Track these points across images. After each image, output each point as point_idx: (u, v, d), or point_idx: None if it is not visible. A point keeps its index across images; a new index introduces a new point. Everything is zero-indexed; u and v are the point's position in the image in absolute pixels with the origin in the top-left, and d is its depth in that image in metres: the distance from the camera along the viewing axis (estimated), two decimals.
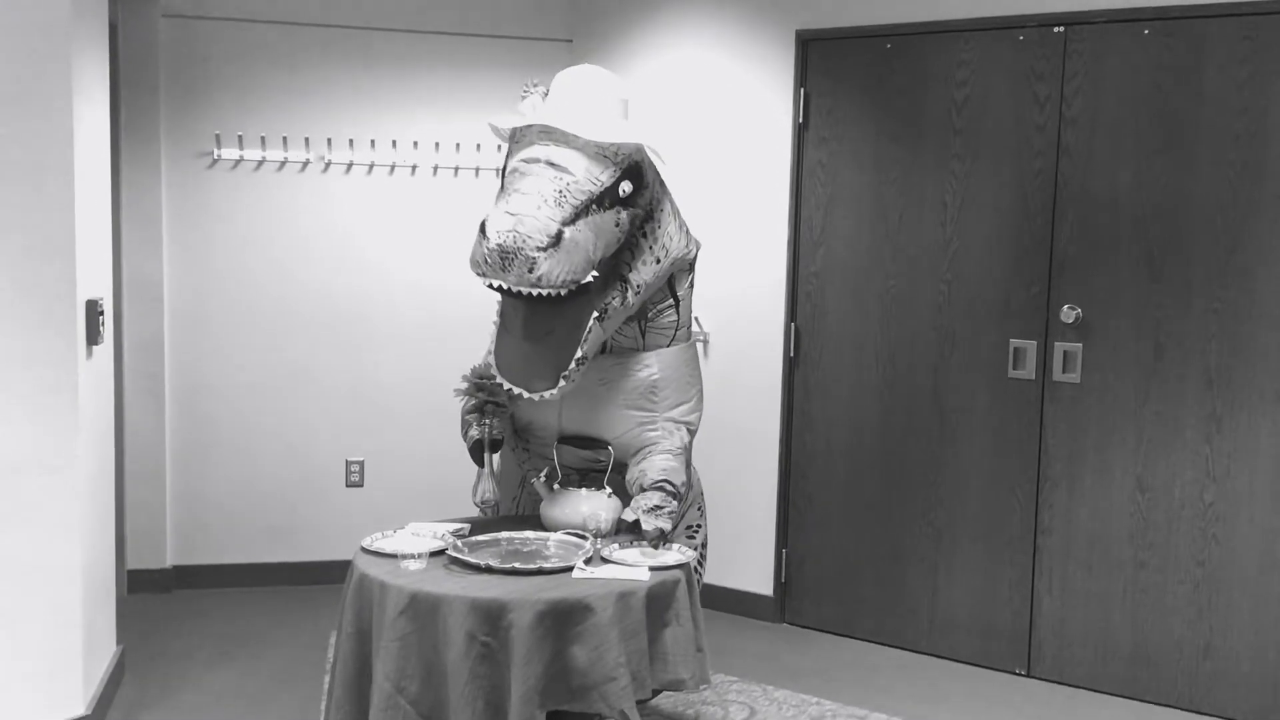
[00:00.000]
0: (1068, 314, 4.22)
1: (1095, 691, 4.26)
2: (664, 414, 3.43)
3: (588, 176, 3.07)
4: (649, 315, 3.41)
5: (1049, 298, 4.27)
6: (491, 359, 3.28)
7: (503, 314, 3.18)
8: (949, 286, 4.47)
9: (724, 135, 4.92)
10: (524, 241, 2.92)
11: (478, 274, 2.99)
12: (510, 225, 2.94)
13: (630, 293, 3.23)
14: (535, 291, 2.96)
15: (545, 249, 2.93)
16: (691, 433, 3.51)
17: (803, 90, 4.74)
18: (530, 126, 3.17)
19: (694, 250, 3.47)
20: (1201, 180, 3.99)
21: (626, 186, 3.16)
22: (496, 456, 3.43)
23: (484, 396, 3.35)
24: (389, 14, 5.19)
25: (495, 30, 5.29)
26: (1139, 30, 4.06)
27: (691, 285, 3.52)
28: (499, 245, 2.92)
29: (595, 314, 3.14)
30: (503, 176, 3.20)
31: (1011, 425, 4.37)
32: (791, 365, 4.85)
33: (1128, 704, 4.17)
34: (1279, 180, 3.87)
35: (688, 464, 3.50)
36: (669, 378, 3.41)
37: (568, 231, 2.99)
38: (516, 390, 3.11)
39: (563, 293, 3.00)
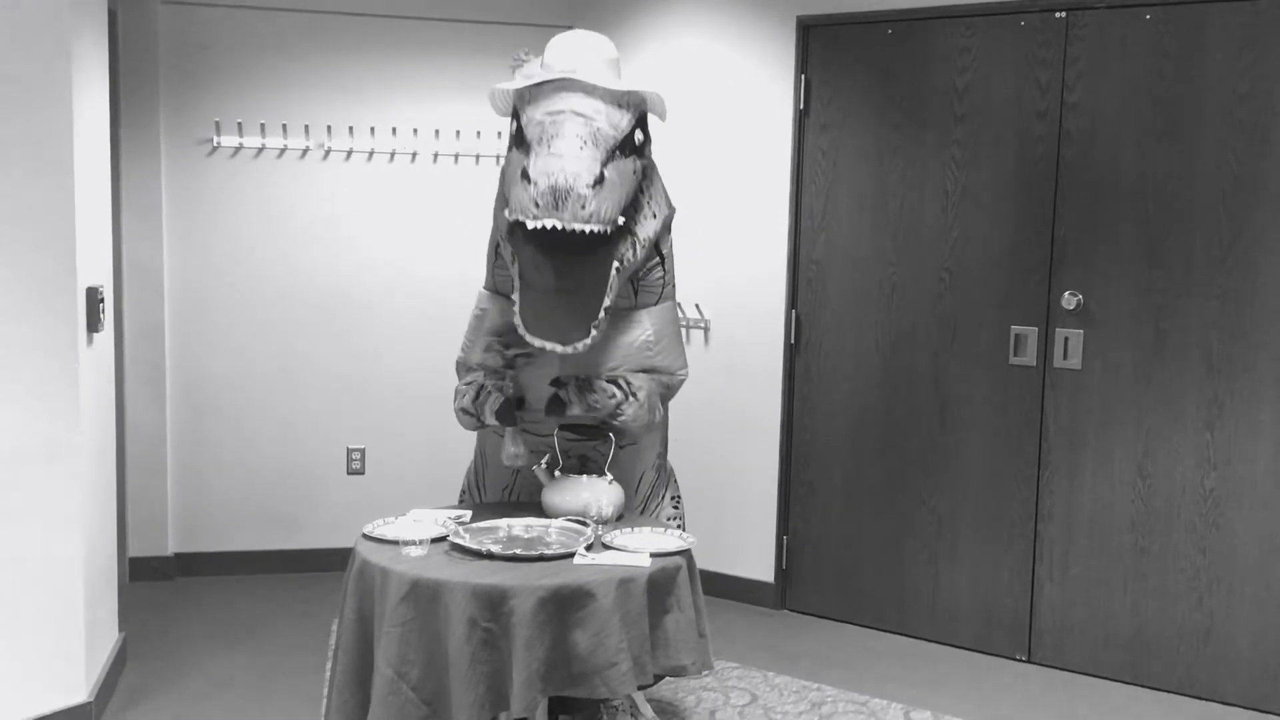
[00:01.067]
0: (1069, 300, 4.22)
1: (1096, 677, 4.27)
2: (659, 370, 3.51)
3: (610, 123, 3.19)
4: (639, 273, 3.47)
5: (1050, 284, 4.27)
6: (482, 352, 3.39)
7: (523, 274, 3.22)
8: (950, 273, 4.47)
9: (725, 122, 4.91)
10: (574, 180, 3.03)
11: (526, 219, 3.06)
12: (559, 166, 3.04)
13: (639, 246, 3.33)
14: (588, 229, 3.05)
15: (593, 186, 3.05)
16: (680, 381, 3.60)
17: (804, 77, 4.73)
18: (542, 85, 3.24)
19: (673, 212, 3.57)
20: (1203, 166, 3.98)
21: (639, 135, 3.30)
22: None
23: (517, 350, 3.34)
24: (388, 1, 5.18)
25: (496, 16, 5.27)
26: (1140, 15, 4.05)
27: (671, 244, 3.59)
28: (551, 186, 3.02)
29: (615, 265, 3.23)
30: (516, 138, 3.26)
31: (1012, 412, 4.37)
32: (792, 352, 4.85)
33: (1128, 689, 4.18)
34: None
35: (661, 406, 3.58)
36: (661, 333, 3.51)
37: (607, 172, 3.11)
38: (549, 346, 3.15)
39: (609, 230, 3.12)
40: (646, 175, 3.40)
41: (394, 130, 5.21)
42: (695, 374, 5.01)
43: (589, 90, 3.20)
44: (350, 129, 5.18)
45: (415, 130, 5.23)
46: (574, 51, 3.29)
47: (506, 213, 3.18)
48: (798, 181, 4.78)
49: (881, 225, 4.60)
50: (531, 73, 3.34)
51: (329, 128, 5.16)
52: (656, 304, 3.53)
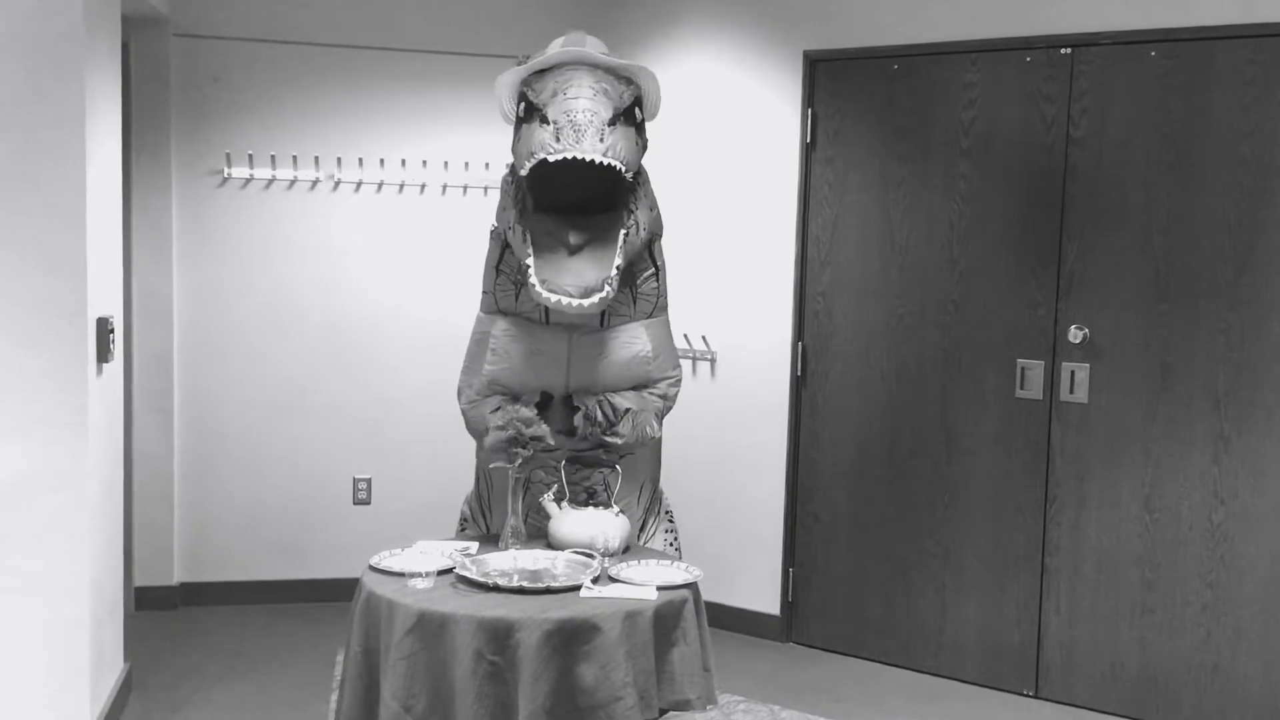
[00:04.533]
0: (1075, 334, 4.22)
1: (1103, 713, 4.24)
2: (656, 382, 3.61)
3: (614, 90, 3.34)
4: (636, 281, 3.56)
5: (1056, 318, 4.27)
6: (489, 367, 3.49)
7: (534, 241, 3.34)
8: (956, 306, 4.48)
9: (732, 155, 4.93)
10: (593, 115, 3.20)
11: (547, 154, 3.18)
12: (576, 105, 3.21)
13: (640, 227, 3.43)
14: (608, 161, 3.19)
15: (610, 125, 3.22)
16: (675, 394, 3.70)
17: (810, 110, 4.76)
18: (547, 71, 3.39)
19: (662, 228, 3.67)
20: (1208, 201, 4.00)
21: (638, 111, 3.44)
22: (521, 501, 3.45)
23: (525, 453, 3.35)
24: (398, 34, 5.22)
25: (504, 50, 5.29)
26: (1146, 52, 4.08)
27: (663, 256, 3.68)
28: (570, 121, 3.19)
29: (623, 230, 3.35)
30: (526, 114, 3.36)
31: (1019, 445, 4.37)
32: (799, 384, 4.85)
33: None
34: None
35: (659, 422, 3.66)
36: (659, 348, 3.61)
37: (617, 124, 3.27)
38: (565, 300, 3.23)
39: (624, 168, 3.25)
40: (641, 171, 3.51)
41: (403, 162, 5.24)
42: (701, 405, 5.02)
43: (592, 67, 3.36)
44: (359, 160, 5.21)
45: (424, 162, 5.26)
46: (572, 40, 3.47)
47: (525, 162, 3.25)
48: (804, 214, 4.80)
49: (887, 258, 4.62)
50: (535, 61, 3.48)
51: (339, 159, 5.19)
52: (651, 316, 3.60)
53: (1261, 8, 3.86)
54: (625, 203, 3.40)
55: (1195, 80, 4.00)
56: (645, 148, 3.49)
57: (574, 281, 3.25)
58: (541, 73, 3.39)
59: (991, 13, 4.34)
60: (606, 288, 3.24)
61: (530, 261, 3.28)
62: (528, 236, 3.34)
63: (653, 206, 3.55)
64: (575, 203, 3.37)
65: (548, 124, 3.22)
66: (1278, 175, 3.89)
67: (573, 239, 3.35)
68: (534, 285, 3.24)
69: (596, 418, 3.44)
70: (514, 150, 3.42)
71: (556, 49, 3.44)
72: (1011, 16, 4.30)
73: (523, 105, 3.39)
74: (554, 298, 3.22)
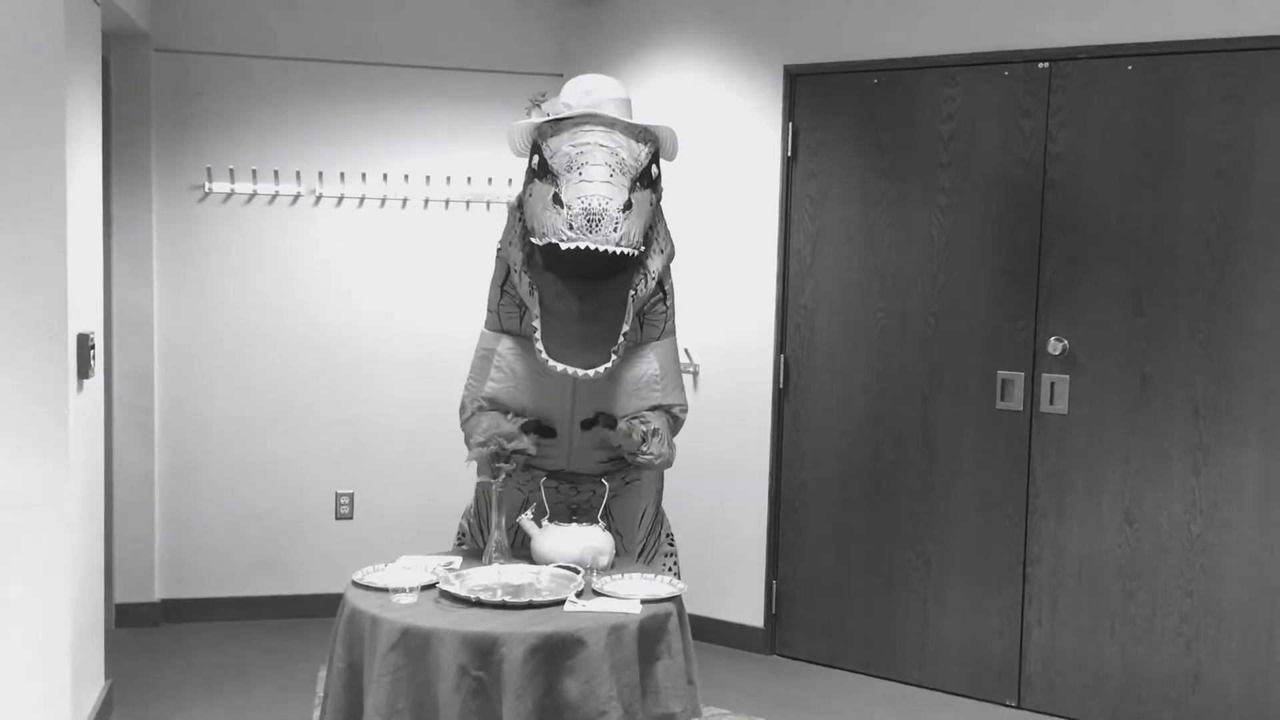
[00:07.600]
0: (1054, 346, 4.25)
1: None
2: (664, 406, 3.62)
3: (631, 155, 3.33)
4: (643, 307, 3.59)
5: (1036, 330, 4.30)
6: (493, 385, 3.49)
7: (544, 303, 3.34)
8: (936, 318, 4.50)
9: (713, 169, 4.95)
10: (607, 203, 3.17)
11: (560, 241, 3.17)
12: (592, 191, 3.19)
13: (649, 279, 3.45)
14: (620, 250, 3.19)
15: (623, 211, 3.20)
16: (683, 417, 3.71)
17: (791, 124, 4.78)
18: (562, 121, 3.39)
19: (674, 251, 3.69)
20: (1186, 214, 4.03)
21: (655, 169, 3.44)
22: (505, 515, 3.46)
23: (508, 468, 3.36)
24: (379, 49, 5.23)
25: (485, 65, 5.33)
26: (1123, 66, 4.11)
27: (672, 281, 3.70)
28: (584, 209, 3.16)
29: (631, 293, 3.36)
30: (538, 170, 3.38)
31: (1000, 456, 4.39)
32: (781, 396, 4.87)
33: None
34: (1262, 213, 3.92)
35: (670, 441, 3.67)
36: (666, 369, 3.63)
37: (632, 199, 3.26)
38: (571, 370, 3.26)
39: (637, 252, 3.26)
40: (657, 211, 3.51)
41: (385, 176, 5.24)
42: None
43: (609, 125, 3.35)
44: (342, 175, 5.21)
45: (406, 176, 5.26)
46: (591, 92, 3.45)
47: (536, 238, 3.28)
48: (785, 227, 4.82)
49: (868, 271, 4.64)
50: (551, 110, 3.46)
51: (320, 174, 5.19)
52: (659, 338, 3.63)
53: (1237, 22, 3.90)
54: (636, 264, 3.39)
55: (1172, 94, 4.04)
56: (660, 195, 3.48)
57: (581, 352, 3.28)
58: (556, 122, 3.39)
59: (970, 27, 4.37)
60: (613, 357, 3.28)
61: (537, 325, 3.31)
62: (535, 292, 3.36)
63: (665, 245, 3.55)
64: (585, 272, 3.35)
65: (561, 206, 3.19)
66: (1254, 188, 3.93)
67: (581, 306, 3.35)
68: (540, 353, 3.29)
69: (636, 435, 3.42)
70: (524, 203, 3.41)
71: (574, 91, 3.43)
72: (990, 31, 4.33)
73: (536, 158, 3.39)
74: (560, 367, 3.26)
